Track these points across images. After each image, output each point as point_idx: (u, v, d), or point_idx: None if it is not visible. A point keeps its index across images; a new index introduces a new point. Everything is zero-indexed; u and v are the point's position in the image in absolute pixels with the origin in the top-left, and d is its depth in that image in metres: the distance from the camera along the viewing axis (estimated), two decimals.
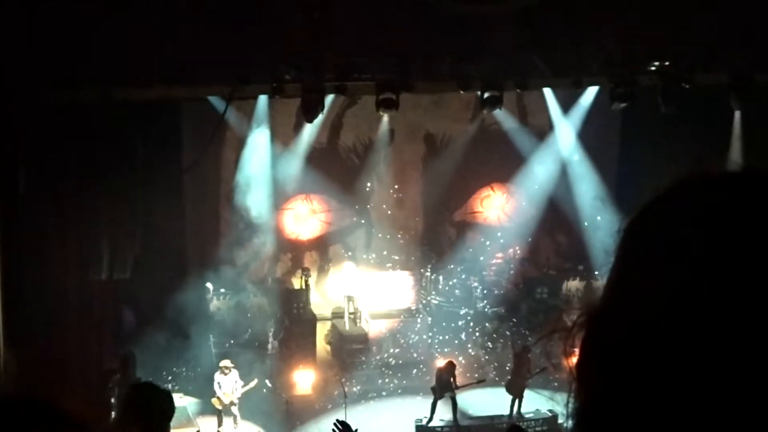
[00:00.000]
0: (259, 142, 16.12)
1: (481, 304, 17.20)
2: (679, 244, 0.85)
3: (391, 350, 16.79)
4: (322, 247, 17.87)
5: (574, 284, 17.09)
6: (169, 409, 5.35)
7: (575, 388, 0.94)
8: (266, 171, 16.55)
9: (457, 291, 17.43)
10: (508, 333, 16.30)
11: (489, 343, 16.80)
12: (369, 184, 17.82)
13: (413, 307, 17.45)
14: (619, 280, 0.92)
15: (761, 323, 0.80)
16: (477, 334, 16.93)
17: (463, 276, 17.50)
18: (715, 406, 0.82)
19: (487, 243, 17.62)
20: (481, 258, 17.51)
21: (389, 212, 17.97)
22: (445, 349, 16.34)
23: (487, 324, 16.98)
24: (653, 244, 0.88)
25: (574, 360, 0.94)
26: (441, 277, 17.63)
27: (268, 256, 17.12)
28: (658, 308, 0.85)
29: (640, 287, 0.88)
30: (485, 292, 17.31)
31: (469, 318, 17.14)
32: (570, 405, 0.94)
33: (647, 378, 0.84)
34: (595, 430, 0.92)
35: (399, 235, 17.85)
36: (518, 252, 17.67)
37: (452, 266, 17.54)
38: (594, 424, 0.92)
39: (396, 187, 17.89)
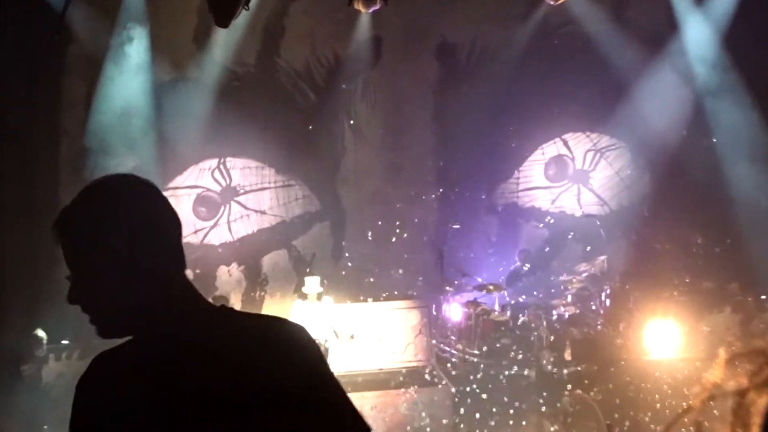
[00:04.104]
0: (129, 64, 8.90)
1: (551, 360, 8.28)
2: None
3: None
4: (251, 258, 9.79)
5: (721, 318, 8.12)
6: None
7: None
8: (144, 117, 9.03)
9: (505, 338, 8.49)
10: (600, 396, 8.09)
11: (569, 419, 7.96)
12: (337, 138, 10.00)
13: (423, 367, 8.47)
14: None
15: None
16: (546, 408, 8.20)
17: (521, 306, 8.86)
18: None
19: (558, 242, 9.45)
20: (552, 277, 9.20)
21: (375, 188, 9.73)
22: None
23: (566, 393, 7.96)
24: None
25: None
26: None
27: None
28: None
29: None
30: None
31: (529, 382, 8.31)
32: None
33: None
34: None
35: (395, 232, 9.50)
36: (611, 260, 8.91)
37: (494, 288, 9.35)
38: None
39: (388, 141, 9.76)
